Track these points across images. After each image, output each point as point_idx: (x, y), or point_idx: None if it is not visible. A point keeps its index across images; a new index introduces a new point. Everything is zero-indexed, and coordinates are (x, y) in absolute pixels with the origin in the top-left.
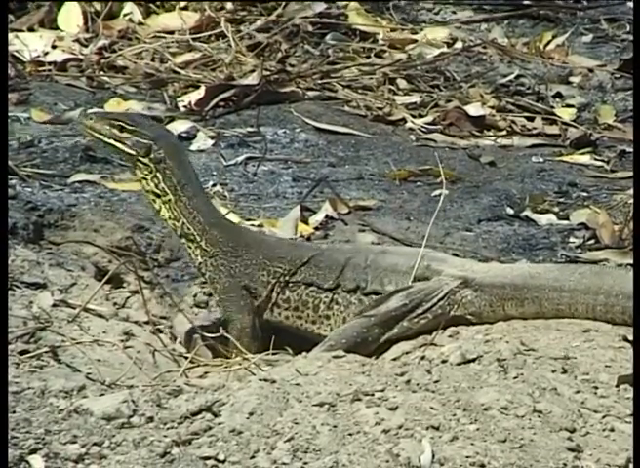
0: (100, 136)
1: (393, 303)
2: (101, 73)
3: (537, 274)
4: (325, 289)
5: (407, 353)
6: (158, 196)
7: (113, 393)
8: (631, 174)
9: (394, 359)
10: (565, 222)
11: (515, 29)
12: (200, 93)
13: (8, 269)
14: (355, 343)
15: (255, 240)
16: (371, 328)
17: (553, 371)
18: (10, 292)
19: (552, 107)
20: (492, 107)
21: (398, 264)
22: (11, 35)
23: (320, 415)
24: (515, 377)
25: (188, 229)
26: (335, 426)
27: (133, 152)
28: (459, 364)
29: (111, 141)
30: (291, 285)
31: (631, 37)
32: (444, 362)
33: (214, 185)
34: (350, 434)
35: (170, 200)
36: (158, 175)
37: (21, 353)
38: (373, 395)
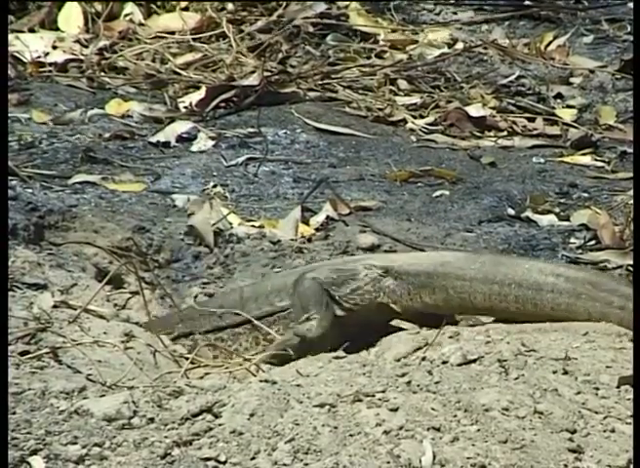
0: None
1: (326, 273)
2: (102, 74)
3: (446, 262)
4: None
5: (408, 354)
6: None
7: (114, 394)
8: (632, 174)
9: (395, 360)
10: (566, 223)
11: (516, 30)
12: (201, 93)
13: (8, 270)
14: (315, 301)
15: None
16: (319, 289)
17: (554, 372)
18: (10, 292)
19: (553, 108)
20: (492, 108)
21: (286, 282)
22: (11, 36)
23: (321, 416)
24: (516, 378)
25: None
26: (335, 427)
27: None
28: (459, 365)
29: None
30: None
31: (632, 38)
32: (445, 363)
33: (214, 186)
34: (351, 435)
35: None
36: None
37: (22, 354)
38: (373, 396)
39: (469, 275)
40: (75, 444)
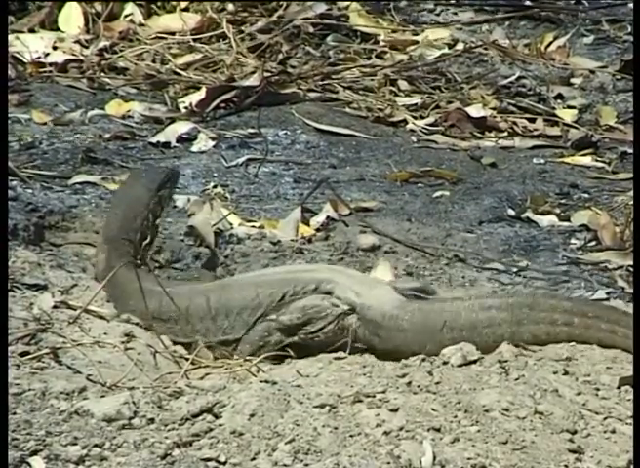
0: None
1: (291, 314)
2: (102, 74)
3: (401, 305)
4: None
5: None
6: None
7: (114, 394)
8: (632, 175)
9: (395, 360)
10: (566, 224)
11: (516, 30)
12: (201, 94)
13: (8, 270)
14: (260, 346)
15: None
16: (272, 331)
17: (554, 373)
18: (10, 293)
19: (553, 109)
20: (493, 109)
21: (260, 299)
22: (11, 36)
23: (321, 417)
24: (516, 379)
25: None
26: (336, 428)
27: None
28: (460, 365)
29: None
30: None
31: (632, 38)
32: (445, 363)
33: (214, 187)
34: (351, 435)
35: None
36: None
37: (22, 354)
38: (374, 396)
39: (403, 326)
40: (75, 444)
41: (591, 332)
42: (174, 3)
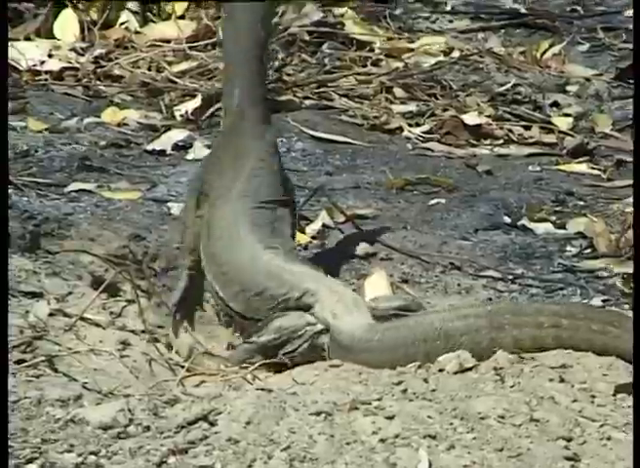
0: None
1: (268, 335)
2: (98, 82)
3: (370, 328)
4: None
5: None
6: None
7: (110, 402)
8: (628, 182)
9: (391, 368)
10: (562, 231)
11: (512, 38)
12: (197, 102)
13: (8, 278)
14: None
15: None
16: (253, 354)
17: (550, 380)
18: None
19: (549, 116)
20: (489, 116)
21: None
22: None
23: (317, 424)
24: (512, 386)
25: None
26: (332, 435)
27: None
28: (455, 372)
29: None
30: None
31: (628, 46)
32: (441, 370)
33: None
34: (347, 443)
35: None
36: None
37: (18, 362)
38: (370, 404)
39: (372, 347)
40: (71, 452)
41: (581, 334)
42: (169, 11)
